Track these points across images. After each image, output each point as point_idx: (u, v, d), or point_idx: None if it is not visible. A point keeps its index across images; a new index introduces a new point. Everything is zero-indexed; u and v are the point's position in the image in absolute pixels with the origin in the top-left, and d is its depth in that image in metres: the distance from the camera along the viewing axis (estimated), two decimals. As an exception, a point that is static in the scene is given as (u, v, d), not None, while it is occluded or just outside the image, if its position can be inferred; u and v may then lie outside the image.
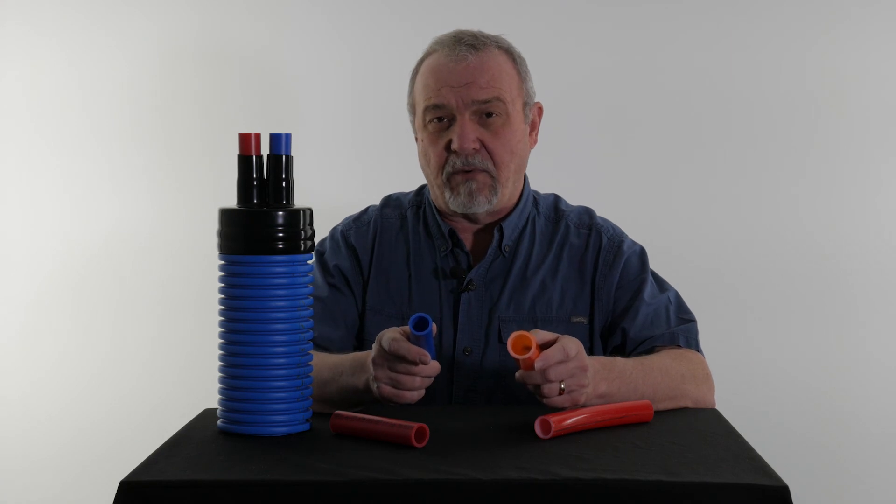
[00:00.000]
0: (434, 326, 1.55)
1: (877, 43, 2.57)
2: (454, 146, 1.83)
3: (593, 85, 2.59)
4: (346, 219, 2.00)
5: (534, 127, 1.93)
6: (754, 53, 2.58)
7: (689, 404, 1.75)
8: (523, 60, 1.91)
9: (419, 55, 1.93)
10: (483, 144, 1.84)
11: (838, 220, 2.60)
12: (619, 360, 1.72)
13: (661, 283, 1.93)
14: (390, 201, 2.00)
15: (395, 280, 1.91)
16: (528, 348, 1.52)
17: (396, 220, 1.96)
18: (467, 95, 1.83)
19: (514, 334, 1.53)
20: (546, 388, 1.56)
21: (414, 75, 1.92)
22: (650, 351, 1.84)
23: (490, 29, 1.93)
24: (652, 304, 1.88)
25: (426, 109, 1.86)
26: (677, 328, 1.86)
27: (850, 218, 2.59)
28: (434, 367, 1.57)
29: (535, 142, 1.95)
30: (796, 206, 2.60)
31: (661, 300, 1.89)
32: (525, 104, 1.89)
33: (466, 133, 1.83)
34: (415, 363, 1.55)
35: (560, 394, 1.56)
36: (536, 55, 1.99)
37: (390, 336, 1.57)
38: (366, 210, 2.00)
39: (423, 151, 1.89)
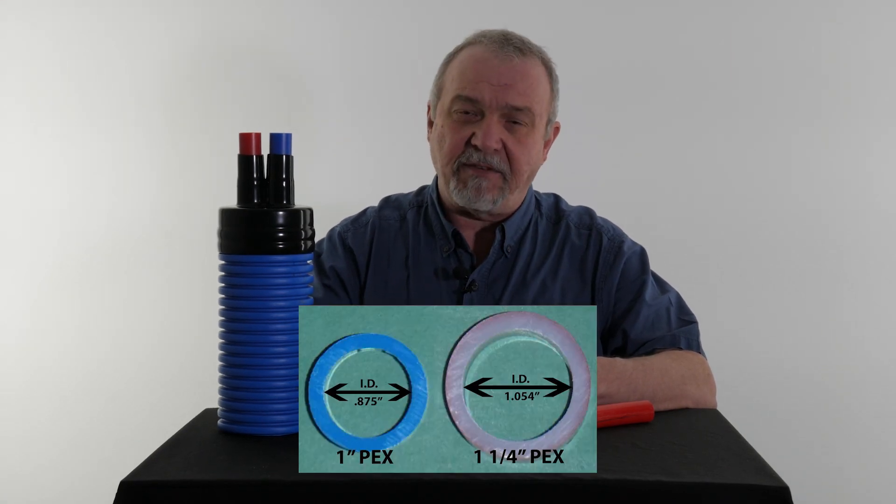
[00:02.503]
0: None
1: (872, 14, 2.57)
2: (477, 142, 1.83)
3: (578, 67, 2.59)
4: (344, 220, 2.00)
5: (547, 144, 1.94)
6: (748, 25, 2.57)
7: (690, 405, 1.74)
8: (557, 79, 1.92)
9: (423, 54, 1.93)
10: (505, 147, 1.85)
11: (837, 213, 2.59)
12: (618, 360, 1.72)
13: (661, 284, 1.94)
14: (389, 202, 2.00)
15: (393, 281, 1.92)
16: None
17: (396, 220, 1.96)
18: (503, 97, 1.83)
19: None
20: None
21: (450, 59, 1.91)
22: (651, 353, 1.84)
23: (489, 24, 1.93)
24: (653, 305, 1.88)
25: (457, 98, 1.85)
26: (678, 330, 1.86)
27: (850, 213, 2.59)
28: None
29: (545, 159, 1.95)
30: (795, 201, 2.60)
31: (662, 301, 1.89)
32: (548, 121, 1.90)
33: (492, 132, 1.83)
34: None
35: None
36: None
37: None
38: (364, 211, 2.00)
39: (439, 136, 1.88)
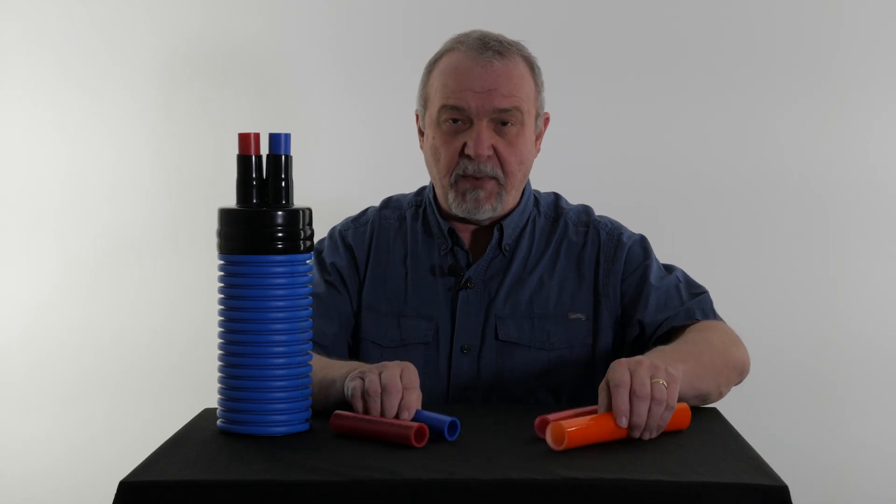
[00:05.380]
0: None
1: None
2: (469, 151, 1.84)
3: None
4: (346, 219, 2.01)
5: (539, 136, 1.94)
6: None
7: (737, 370, 1.77)
8: (540, 71, 1.92)
9: (420, 54, 1.93)
10: (496, 152, 1.85)
11: (839, 202, 2.59)
12: (661, 347, 1.71)
13: (665, 267, 1.93)
14: (390, 202, 2.00)
15: (391, 279, 1.92)
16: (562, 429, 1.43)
17: (395, 220, 1.97)
18: (489, 102, 1.83)
19: (548, 431, 1.43)
20: (649, 404, 1.48)
21: (430, 68, 1.91)
22: (670, 332, 1.83)
23: (488, 19, 1.94)
24: (661, 286, 1.87)
25: (443, 108, 1.85)
26: (690, 303, 1.85)
27: (852, 200, 2.58)
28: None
29: (539, 150, 1.95)
30: (792, 187, 2.60)
31: (670, 281, 1.89)
32: (537, 114, 1.90)
33: (483, 140, 1.83)
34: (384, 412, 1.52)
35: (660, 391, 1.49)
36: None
37: (415, 397, 1.53)
38: (365, 211, 2.01)
39: (433, 149, 1.88)
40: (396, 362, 1.57)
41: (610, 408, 1.48)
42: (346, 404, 1.57)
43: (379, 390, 1.52)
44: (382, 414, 1.51)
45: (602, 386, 1.51)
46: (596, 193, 2.14)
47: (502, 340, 1.86)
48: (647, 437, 1.48)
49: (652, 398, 1.47)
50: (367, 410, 1.52)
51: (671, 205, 2.59)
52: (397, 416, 1.51)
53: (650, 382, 1.48)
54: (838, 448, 2.60)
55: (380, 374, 1.54)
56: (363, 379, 1.54)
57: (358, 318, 1.92)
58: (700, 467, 1.35)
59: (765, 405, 2.57)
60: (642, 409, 1.47)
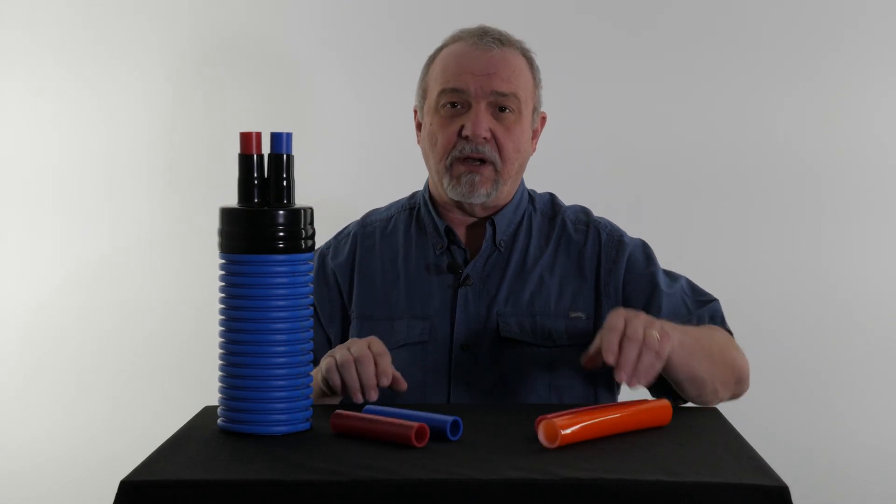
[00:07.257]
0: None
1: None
2: (467, 132, 1.84)
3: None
4: (329, 239, 2.00)
5: (535, 135, 1.95)
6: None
7: (736, 373, 1.77)
8: (539, 69, 1.94)
9: (422, 53, 1.94)
10: (494, 137, 1.85)
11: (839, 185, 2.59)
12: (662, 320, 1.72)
13: (669, 274, 1.94)
14: (373, 213, 2.01)
15: (381, 283, 1.92)
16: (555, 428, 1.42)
17: (381, 222, 1.97)
18: (488, 85, 1.85)
19: (540, 430, 1.43)
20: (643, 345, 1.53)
21: (430, 61, 1.93)
22: None
23: (494, 17, 1.95)
24: (671, 293, 1.88)
25: (442, 92, 1.87)
26: (700, 311, 1.86)
27: (850, 181, 2.58)
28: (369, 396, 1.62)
29: (535, 150, 1.96)
30: (787, 165, 2.60)
31: (676, 289, 1.89)
32: (534, 109, 1.91)
33: (481, 120, 1.84)
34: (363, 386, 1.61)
35: (654, 340, 1.54)
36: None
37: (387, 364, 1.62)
38: (346, 227, 2.01)
39: (430, 134, 1.89)
40: (361, 339, 1.67)
41: (600, 349, 1.56)
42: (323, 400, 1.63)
43: (352, 359, 1.61)
44: (361, 383, 1.60)
45: (599, 332, 1.58)
46: (591, 184, 2.14)
47: (504, 338, 1.86)
48: (633, 384, 1.53)
49: (643, 343, 1.53)
50: (344, 382, 1.62)
51: (668, 196, 2.59)
52: (378, 384, 1.61)
53: (643, 331, 1.54)
54: (838, 448, 2.60)
55: (349, 349, 1.63)
56: (334, 357, 1.64)
57: (347, 328, 1.92)
58: (700, 467, 1.35)
59: (765, 405, 2.57)
60: (631, 350, 1.53)
